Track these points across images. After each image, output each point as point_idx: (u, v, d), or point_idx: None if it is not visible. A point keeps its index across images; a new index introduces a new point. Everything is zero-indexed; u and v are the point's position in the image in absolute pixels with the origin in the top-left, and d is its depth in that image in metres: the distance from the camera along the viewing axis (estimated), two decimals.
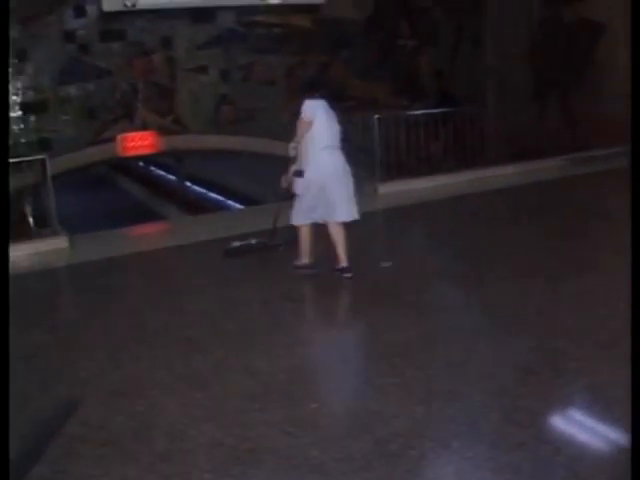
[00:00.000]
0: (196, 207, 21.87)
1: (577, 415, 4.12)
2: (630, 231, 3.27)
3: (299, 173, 7.13)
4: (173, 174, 27.23)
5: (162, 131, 14.07)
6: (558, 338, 5.15)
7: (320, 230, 7.27)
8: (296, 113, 7.12)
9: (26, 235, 10.12)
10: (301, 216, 7.22)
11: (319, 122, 7.00)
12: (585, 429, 3.96)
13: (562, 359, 4.77)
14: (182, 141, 14.63)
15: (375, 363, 4.93)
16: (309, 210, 7.15)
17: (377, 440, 3.87)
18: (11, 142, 12.68)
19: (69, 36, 13.20)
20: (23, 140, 12.97)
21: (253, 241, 8.46)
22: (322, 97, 7.22)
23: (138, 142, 13.95)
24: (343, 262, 7.09)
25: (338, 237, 7.09)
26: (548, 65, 16.05)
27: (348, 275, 7.04)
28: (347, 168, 7.19)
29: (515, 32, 16.59)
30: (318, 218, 7.19)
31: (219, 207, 21.72)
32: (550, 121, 13.79)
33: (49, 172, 10.04)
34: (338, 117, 7.28)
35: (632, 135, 3.68)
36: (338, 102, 14.46)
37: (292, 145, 7.15)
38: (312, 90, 7.37)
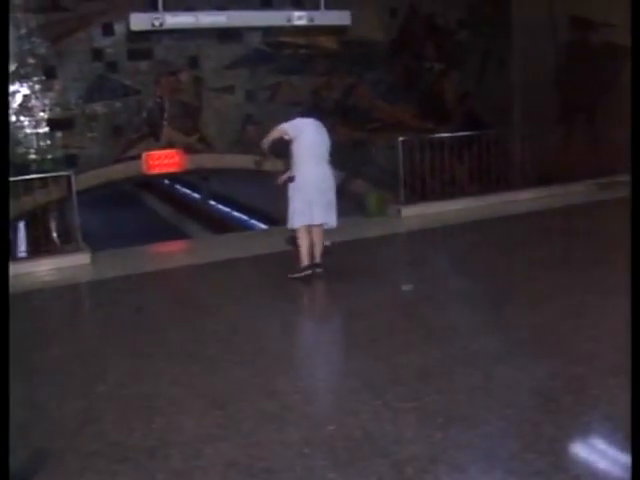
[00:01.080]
0: (220, 226, 21.97)
1: (596, 444, 4.06)
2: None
3: (291, 179, 8.04)
4: (197, 193, 27.38)
5: (187, 150, 14.14)
6: (579, 365, 5.10)
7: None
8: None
9: (50, 250, 10.19)
10: (295, 219, 8.00)
11: (306, 137, 7.96)
12: (604, 458, 3.90)
13: (583, 386, 4.72)
14: (207, 160, 14.70)
15: (394, 386, 4.89)
16: (300, 213, 7.97)
17: (393, 463, 3.84)
18: (38, 158, 12.82)
19: (97, 54, 13.33)
20: (50, 156, 13.07)
21: None
22: (314, 117, 8.28)
23: (163, 160, 14.03)
24: (317, 259, 8.08)
25: (316, 238, 8.07)
26: (574, 88, 16.00)
27: (319, 270, 8.04)
28: (331, 179, 8.15)
29: (541, 55, 16.57)
30: (308, 221, 7.99)
31: (243, 226, 21.83)
32: (576, 144, 13.72)
33: (74, 188, 10.11)
34: (329, 136, 8.24)
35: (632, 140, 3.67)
36: (362, 124, 14.62)
37: (264, 141, 8.08)
38: (308, 113, 8.55)
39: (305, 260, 8.00)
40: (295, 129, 7.97)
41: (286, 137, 7.98)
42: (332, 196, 8.12)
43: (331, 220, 8.10)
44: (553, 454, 3.86)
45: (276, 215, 17.12)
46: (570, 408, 4.41)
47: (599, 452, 3.97)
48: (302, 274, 7.97)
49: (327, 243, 8.30)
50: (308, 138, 7.96)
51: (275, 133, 8.04)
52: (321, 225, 8.07)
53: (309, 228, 8.03)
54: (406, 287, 7.43)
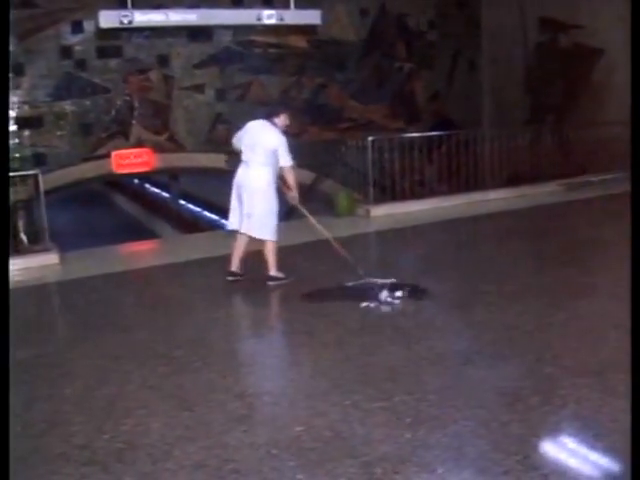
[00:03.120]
0: (190, 225, 21.86)
1: (565, 442, 4.08)
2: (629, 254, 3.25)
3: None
4: (167, 192, 27.24)
5: (157, 149, 14.08)
6: (548, 364, 5.12)
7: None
8: None
9: (17, 250, 10.08)
10: (232, 220, 7.91)
11: (244, 141, 7.76)
12: (573, 457, 3.92)
13: (551, 386, 4.74)
14: (177, 159, 14.65)
15: (363, 387, 4.89)
16: (236, 216, 7.84)
17: (362, 464, 3.83)
18: None
19: (66, 52, 13.25)
20: (17, 155, 12.96)
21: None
22: (264, 118, 7.85)
23: (133, 159, 13.96)
24: (234, 267, 7.88)
25: (239, 244, 7.87)
26: (544, 89, 16.11)
27: (230, 278, 7.86)
28: (259, 186, 7.66)
29: (511, 56, 16.68)
30: (236, 225, 7.86)
31: (213, 226, 21.73)
32: (545, 145, 13.82)
33: (42, 187, 10.01)
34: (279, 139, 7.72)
35: (632, 141, 3.70)
36: (333, 123, 14.62)
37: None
38: (267, 112, 8.03)
39: (233, 266, 7.89)
40: (238, 136, 7.91)
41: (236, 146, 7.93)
42: (256, 205, 7.64)
43: (251, 230, 7.72)
44: (522, 453, 3.87)
45: None
46: (538, 407, 4.43)
47: (568, 451, 3.98)
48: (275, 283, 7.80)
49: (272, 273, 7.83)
50: (244, 141, 7.75)
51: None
52: (246, 234, 7.82)
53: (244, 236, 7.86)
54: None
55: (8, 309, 3.74)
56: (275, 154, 7.65)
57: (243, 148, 7.74)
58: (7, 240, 3.75)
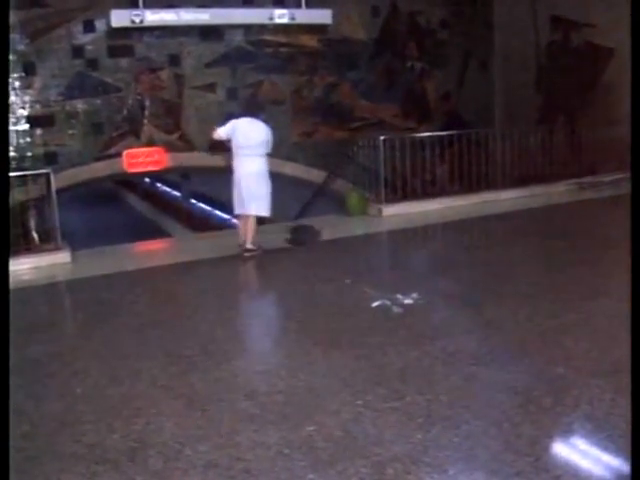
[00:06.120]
0: (201, 224, 21.88)
1: (577, 444, 4.06)
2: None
3: (231, 171, 9.30)
4: (178, 191, 27.27)
5: (168, 148, 14.08)
6: (560, 365, 5.09)
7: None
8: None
9: (29, 249, 10.10)
10: (236, 207, 9.35)
11: (238, 137, 9.06)
12: (585, 458, 3.90)
13: (563, 386, 4.71)
14: (188, 158, 14.63)
15: (375, 387, 4.87)
16: (235, 203, 9.32)
17: (374, 464, 3.82)
18: (17, 155, 12.71)
19: (77, 51, 13.25)
20: (29, 154, 12.99)
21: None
22: (249, 115, 9.33)
23: (144, 158, 13.96)
24: (248, 244, 9.17)
25: (248, 226, 9.19)
26: (555, 89, 16.05)
27: (247, 254, 9.12)
28: (264, 173, 9.23)
29: (522, 55, 16.62)
30: (240, 211, 9.30)
31: (224, 225, 21.75)
32: (557, 145, 13.76)
33: (53, 186, 10.03)
34: (268, 131, 9.26)
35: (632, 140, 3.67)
36: (344, 123, 14.61)
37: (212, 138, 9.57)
38: (245, 111, 9.75)
39: (240, 240, 9.28)
40: (227, 131, 9.11)
41: (223, 138, 9.18)
42: (263, 190, 9.21)
43: (262, 211, 9.24)
44: (534, 455, 3.85)
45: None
46: (551, 408, 4.41)
47: (580, 452, 3.96)
48: (246, 254, 9.13)
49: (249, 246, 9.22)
50: (239, 137, 9.05)
51: (214, 132, 9.26)
52: (251, 216, 9.18)
53: (244, 217, 9.28)
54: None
55: (8, 309, 3.72)
56: (265, 145, 9.20)
57: (242, 143, 9.04)
58: (7, 240, 3.74)
